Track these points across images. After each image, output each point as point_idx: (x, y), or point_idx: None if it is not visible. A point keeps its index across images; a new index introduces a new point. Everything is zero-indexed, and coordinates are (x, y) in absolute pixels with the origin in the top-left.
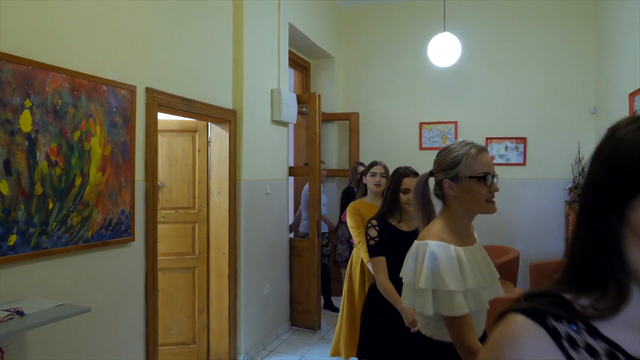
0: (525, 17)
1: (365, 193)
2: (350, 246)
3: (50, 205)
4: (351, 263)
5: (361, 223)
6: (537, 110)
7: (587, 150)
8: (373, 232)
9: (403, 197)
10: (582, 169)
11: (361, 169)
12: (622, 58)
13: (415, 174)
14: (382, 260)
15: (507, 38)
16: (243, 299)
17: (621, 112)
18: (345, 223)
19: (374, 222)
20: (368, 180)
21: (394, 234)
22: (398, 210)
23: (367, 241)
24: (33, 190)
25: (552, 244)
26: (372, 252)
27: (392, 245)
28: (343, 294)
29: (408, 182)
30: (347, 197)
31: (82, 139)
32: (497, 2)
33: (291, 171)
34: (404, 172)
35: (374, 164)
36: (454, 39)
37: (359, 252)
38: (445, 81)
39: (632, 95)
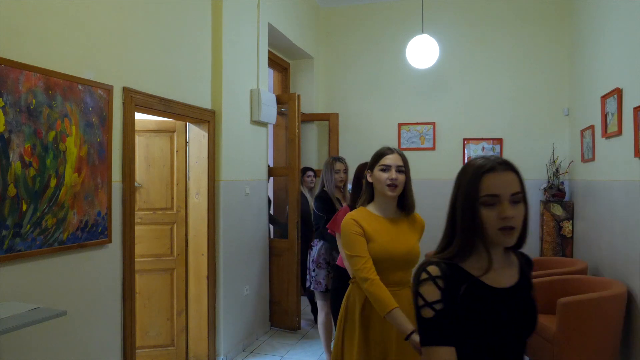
0: (502, 21)
1: (371, 198)
2: (332, 271)
3: (24, 207)
4: (345, 309)
5: (365, 248)
6: (513, 112)
7: (561, 151)
8: (431, 292)
9: (489, 216)
10: (557, 170)
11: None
12: (595, 61)
13: (506, 164)
14: (448, 354)
15: (484, 41)
16: (222, 300)
17: (593, 114)
18: (324, 241)
19: (434, 271)
20: (376, 177)
21: (476, 296)
22: (483, 246)
23: (418, 309)
24: (6, 192)
25: (527, 242)
26: (431, 334)
27: (473, 320)
28: (334, 354)
29: (494, 182)
30: (325, 206)
31: (57, 139)
32: (475, 6)
33: (271, 172)
34: (484, 165)
35: (385, 151)
36: (432, 41)
37: (355, 290)
38: (423, 82)
39: (603, 97)
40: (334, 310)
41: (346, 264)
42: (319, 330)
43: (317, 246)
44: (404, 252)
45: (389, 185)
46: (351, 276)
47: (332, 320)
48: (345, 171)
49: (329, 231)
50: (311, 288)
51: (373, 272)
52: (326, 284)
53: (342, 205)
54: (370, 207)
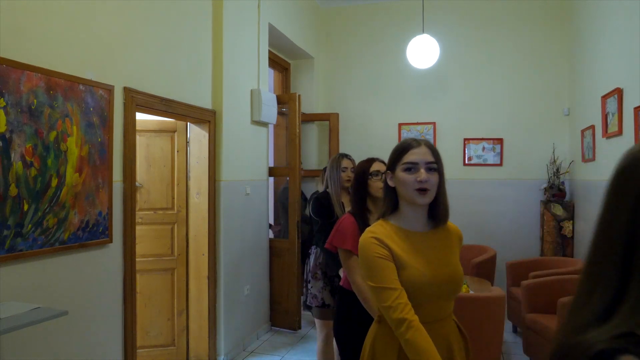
0: (502, 21)
1: (394, 206)
2: (330, 284)
3: (26, 207)
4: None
5: (396, 276)
6: (513, 112)
7: (561, 151)
8: None
9: None
10: (557, 170)
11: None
12: (595, 61)
13: None
14: None
15: (485, 40)
16: (223, 300)
17: (594, 114)
18: (318, 250)
19: None
20: (400, 179)
21: None
22: None
23: None
24: (7, 192)
25: (528, 242)
26: None
27: None
28: None
29: None
30: (320, 209)
31: (59, 139)
32: (475, 6)
33: (271, 171)
34: None
35: (410, 144)
36: (433, 41)
37: (384, 333)
38: (424, 82)
39: (604, 97)
40: (339, 341)
41: (361, 297)
42: (317, 358)
43: (313, 254)
44: (448, 276)
45: (418, 190)
46: (375, 312)
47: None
48: (353, 169)
49: (325, 246)
50: (307, 303)
51: (410, 311)
52: (322, 297)
53: (344, 211)
54: (394, 220)
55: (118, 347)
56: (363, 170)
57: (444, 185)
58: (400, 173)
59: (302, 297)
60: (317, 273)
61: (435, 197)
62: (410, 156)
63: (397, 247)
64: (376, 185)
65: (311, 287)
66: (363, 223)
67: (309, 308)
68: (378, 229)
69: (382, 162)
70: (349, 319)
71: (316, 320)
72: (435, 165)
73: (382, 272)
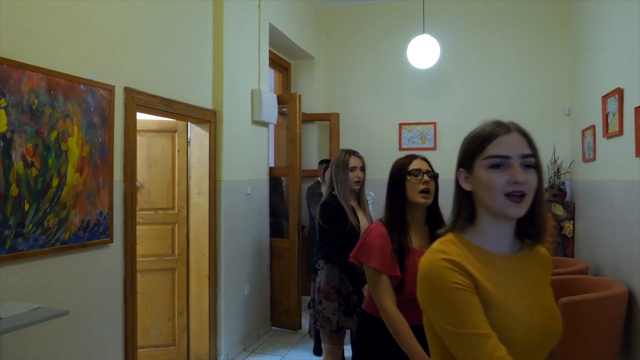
0: (503, 21)
1: (470, 218)
2: (345, 303)
3: (27, 207)
4: None
5: (484, 316)
6: (513, 112)
7: (562, 151)
8: None
9: None
10: (558, 170)
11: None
12: (596, 61)
13: None
14: None
15: (485, 40)
16: (223, 300)
17: (594, 114)
18: (332, 264)
19: None
20: (482, 179)
21: None
22: None
23: None
24: (8, 192)
25: None
26: None
27: None
28: None
29: None
30: (332, 216)
31: (59, 139)
32: (476, 6)
33: (271, 171)
34: None
35: (495, 131)
36: (433, 41)
37: None
38: (424, 82)
39: (604, 97)
40: None
41: (392, 327)
42: None
43: (323, 270)
44: (547, 319)
45: (510, 196)
46: (414, 352)
47: None
48: (363, 169)
49: (350, 259)
50: (317, 326)
51: None
52: (337, 320)
53: (357, 217)
54: (471, 236)
55: (118, 347)
56: (400, 169)
57: (542, 189)
58: (482, 171)
59: (310, 319)
60: (330, 293)
61: (532, 206)
62: (498, 147)
63: (482, 276)
64: (415, 188)
65: (323, 309)
66: (398, 236)
67: (317, 339)
68: (451, 248)
69: (424, 159)
70: (371, 345)
71: (324, 345)
72: (533, 160)
73: (466, 311)
